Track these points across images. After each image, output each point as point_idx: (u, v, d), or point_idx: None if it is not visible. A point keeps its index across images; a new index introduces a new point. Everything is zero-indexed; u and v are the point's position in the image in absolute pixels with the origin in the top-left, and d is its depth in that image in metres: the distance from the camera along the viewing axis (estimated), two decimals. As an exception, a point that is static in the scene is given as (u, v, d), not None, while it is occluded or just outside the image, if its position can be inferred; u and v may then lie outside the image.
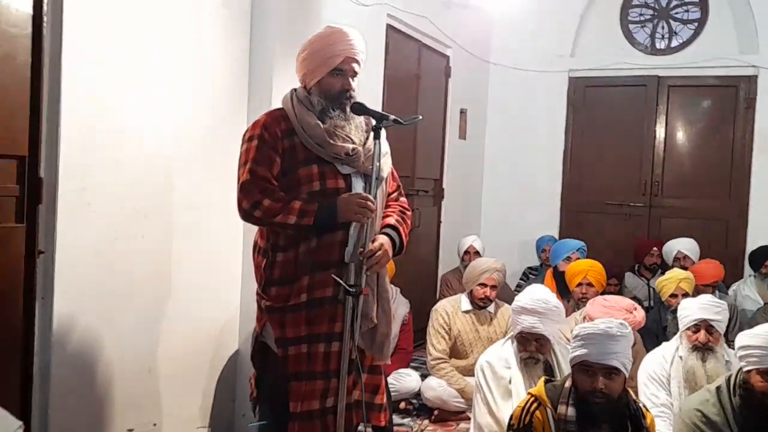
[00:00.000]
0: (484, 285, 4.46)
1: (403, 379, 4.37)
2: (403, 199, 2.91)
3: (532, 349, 3.25)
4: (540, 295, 3.34)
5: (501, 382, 3.28)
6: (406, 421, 4.33)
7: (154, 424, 3.30)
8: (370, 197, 2.55)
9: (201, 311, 3.55)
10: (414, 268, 5.85)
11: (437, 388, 4.39)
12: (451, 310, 4.54)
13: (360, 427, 2.74)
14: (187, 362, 3.48)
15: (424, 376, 4.58)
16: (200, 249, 3.52)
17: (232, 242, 3.76)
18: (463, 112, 6.76)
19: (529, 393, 2.60)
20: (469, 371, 4.42)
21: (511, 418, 2.55)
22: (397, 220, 2.77)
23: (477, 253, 5.73)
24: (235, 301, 3.83)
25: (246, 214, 2.58)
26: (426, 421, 4.38)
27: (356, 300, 2.55)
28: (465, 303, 4.56)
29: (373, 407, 2.77)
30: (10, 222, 2.65)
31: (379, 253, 2.59)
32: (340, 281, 2.54)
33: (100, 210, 2.93)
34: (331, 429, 2.64)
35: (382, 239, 2.66)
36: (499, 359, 3.34)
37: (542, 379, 2.70)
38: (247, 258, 3.73)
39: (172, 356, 3.35)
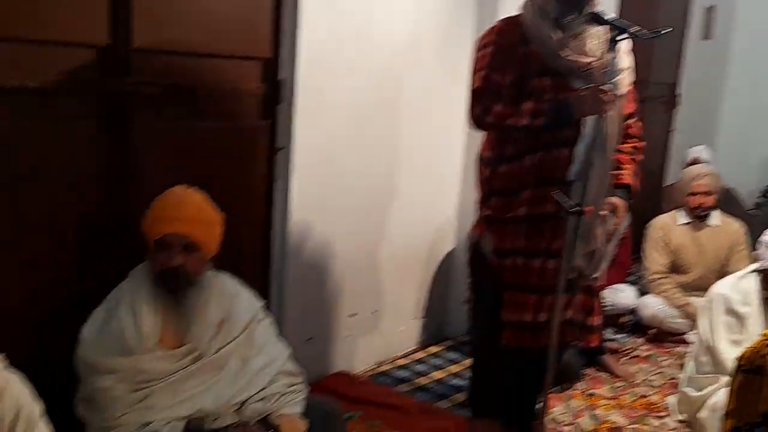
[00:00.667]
0: (694, 193, 4.16)
1: (619, 295, 4.23)
2: (639, 124, 2.73)
3: None
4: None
5: (734, 319, 3.05)
6: (619, 337, 4.23)
7: (375, 311, 3.54)
8: (608, 87, 2.39)
9: (420, 213, 3.68)
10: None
11: (654, 307, 4.22)
12: (668, 224, 4.30)
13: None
14: (406, 259, 3.66)
15: (640, 293, 4.41)
16: (422, 154, 3.60)
17: (451, 148, 3.81)
18: (709, 9, 6.06)
19: (764, 334, 2.40)
20: (692, 288, 4.19)
21: (740, 358, 2.38)
22: (632, 178, 2.67)
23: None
24: (452, 205, 3.91)
25: (477, 120, 2.57)
26: (640, 340, 4.24)
27: (577, 219, 2.48)
28: (682, 216, 4.29)
29: (585, 328, 2.73)
30: (255, 119, 2.87)
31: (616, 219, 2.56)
32: (562, 199, 2.47)
33: (333, 111, 3.08)
34: (542, 342, 2.66)
35: (616, 203, 2.60)
36: (737, 293, 3.09)
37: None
38: (466, 165, 3.77)
39: (392, 253, 3.53)
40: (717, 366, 3.01)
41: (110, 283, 2.23)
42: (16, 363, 1.69)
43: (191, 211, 2.18)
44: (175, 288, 2.16)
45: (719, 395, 2.91)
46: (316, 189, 3.06)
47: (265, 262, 2.98)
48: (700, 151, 5.46)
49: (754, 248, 3.16)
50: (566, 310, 2.67)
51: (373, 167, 3.34)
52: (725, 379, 2.85)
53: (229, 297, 2.34)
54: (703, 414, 3.04)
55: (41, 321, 2.26)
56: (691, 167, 4.54)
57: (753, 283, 3.05)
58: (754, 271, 3.09)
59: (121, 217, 2.39)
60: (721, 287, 3.17)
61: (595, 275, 2.67)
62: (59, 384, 2.03)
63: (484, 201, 2.70)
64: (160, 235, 2.14)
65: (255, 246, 2.93)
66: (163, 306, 2.17)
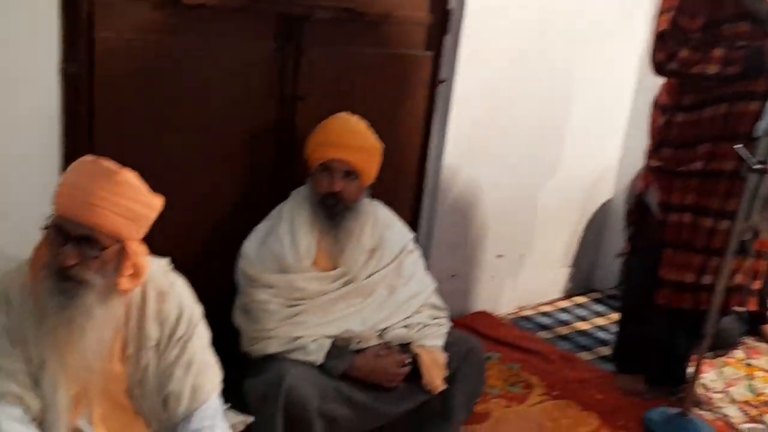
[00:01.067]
0: None
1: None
2: None
3: None
4: None
5: None
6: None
7: (521, 255, 3.48)
8: None
9: (580, 158, 3.52)
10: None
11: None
12: None
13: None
14: (559, 205, 3.54)
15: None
16: (588, 96, 3.42)
17: (621, 91, 3.60)
18: None
19: None
20: None
21: None
22: None
23: None
24: (615, 152, 3.71)
25: (660, 65, 2.41)
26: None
27: (760, 178, 2.27)
28: None
29: (748, 292, 2.55)
30: (419, 49, 2.83)
31: None
32: (747, 155, 2.27)
33: (498, 47, 2.98)
34: (702, 306, 2.50)
35: None
36: None
37: None
38: (635, 110, 3.55)
39: (546, 197, 3.43)
40: None
41: (273, 201, 2.32)
42: (182, 269, 1.80)
43: (355, 139, 2.22)
44: (334, 212, 2.22)
45: None
46: (474, 126, 2.99)
47: (417, 196, 2.98)
48: None
49: None
50: (735, 275, 2.50)
51: (534, 107, 3.21)
52: None
53: (382, 226, 2.37)
54: None
55: (206, 232, 2.40)
56: None
57: None
58: None
59: (288, 137, 2.46)
60: None
61: None
62: (219, 292, 2.15)
63: (654, 151, 2.55)
64: (323, 160, 2.19)
65: (409, 178, 2.93)
66: (319, 229, 2.23)
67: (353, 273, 2.28)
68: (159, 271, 1.73)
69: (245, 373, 2.12)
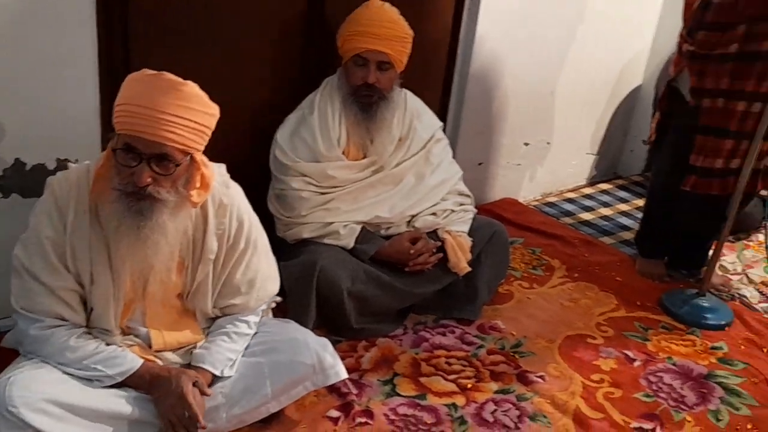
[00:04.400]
0: None
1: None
2: None
3: None
4: None
5: None
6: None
7: (548, 143, 3.49)
8: None
9: (609, 45, 3.46)
10: None
11: None
12: None
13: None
14: (587, 92, 3.51)
15: None
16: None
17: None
18: None
19: None
20: None
21: None
22: None
23: None
24: (647, 38, 3.63)
25: None
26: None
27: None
28: None
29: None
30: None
31: None
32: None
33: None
34: (729, 190, 2.53)
35: None
36: None
37: None
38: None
39: (574, 84, 3.40)
40: None
41: (305, 90, 2.36)
42: (222, 159, 1.84)
43: (389, 29, 2.20)
44: (368, 103, 2.24)
45: None
46: (504, 13, 2.94)
47: (447, 84, 2.97)
48: None
49: None
50: (763, 158, 2.51)
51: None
52: None
53: (412, 115, 2.41)
54: None
55: (243, 124, 2.43)
56: None
57: None
58: None
59: (318, 28, 2.45)
60: None
61: None
62: (255, 180, 2.22)
63: (689, 35, 2.49)
64: (357, 51, 2.19)
65: (438, 67, 2.92)
66: (352, 119, 2.27)
67: (383, 161, 2.34)
68: (218, 179, 1.73)
69: (280, 257, 2.23)
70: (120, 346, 1.68)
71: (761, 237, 3.26)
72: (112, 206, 1.56)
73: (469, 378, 2.16)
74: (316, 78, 2.38)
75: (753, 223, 3.28)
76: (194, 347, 1.80)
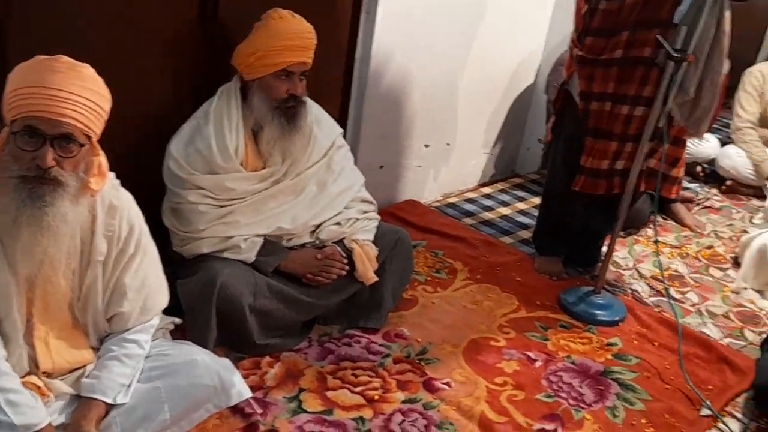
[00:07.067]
0: None
1: (701, 144, 4.10)
2: None
3: None
4: None
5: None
6: (694, 185, 4.16)
7: (448, 144, 3.53)
8: None
9: (504, 46, 3.53)
10: (740, 22, 5.12)
11: (734, 157, 4.09)
12: (767, 73, 4.05)
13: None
14: (484, 92, 3.58)
15: (723, 143, 4.27)
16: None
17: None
18: None
19: None
20: (776, 144, 4.06)
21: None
22: None
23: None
24: (539, 39, 3.73)
25: None
26: (714, 190, 4.17)
27: (677, 66, 2.35)
28: None
29: (668, 179, 2.69)
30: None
31: None
32: (665, 43, 2.33)
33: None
34: (615, 190, 2.64)
35: None
36: None
37: None
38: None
39: (471, 85, 3.45)
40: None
41: (198, 99, 2.27)
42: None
43: (309, 39, 2.18)
44: (295, 114, 2.21)
45: (762, 239, 3.02)
46: (402, 17, 2.94)
47: (346, 89, 2.95)
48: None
49: None
50: (649, 159, 2.62)
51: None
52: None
53: (311, 122, 2.36)
54: (746, 254, 3.10)
55: (132, 130, 2.31)
56: None
57: None
58: None
59: (212, 31, 2.36)
60: None
61: (696, 134, 2.56)
62: (149, 192, 2.12)
63: (577, 39, 2.57)
64: (285, 65, 2.14)
65: (337, 72, 2.88)
66: (278, 131, 2.20)
67: (301, 167, 2.30)
68: (107, 182, 1.69)
69: (177, 273, 2.15)
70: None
71: (650, 232, 3.43)
72: (9, 197, 1.50)
73: (376, 389, 2.15)
74: (211, 86, 2.29)
75: (642, 218, 3.44)
76: (84, 374, 1.70)
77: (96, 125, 1.56)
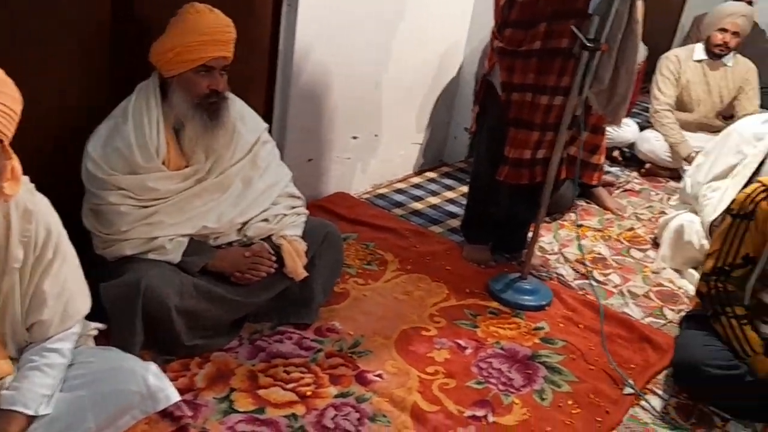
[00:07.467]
0: (724, 30, 4.07)
1: (620, 128, 4.23)
2: None
3: None
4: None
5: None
6: (614, 169, 4.29)
7: (375, 135, 3.54)
8: None
9: (428, 36, 3.56)
10: (656, 7, 5.29)
11: (653, 141, 4.24)
12: (683, 57, 4.23)
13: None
14: (409, 83, 3.60)
15: (642, 127, 4.42)
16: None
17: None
18: None
19: (759, 180, 2.43)
20: (692, 127, 4.23)
21: (732, 203, 2.43)
22: None
23: (750, 2, 5.06)
24: (462, 29, 3.77)
25: None
26: (634, 173, 4.31)
27: (592, 56, 2.42)
28: (699, 51, 4.22)
29: (588, 166, 2.76)
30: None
31: None
32: (579, 33, 2.39)
33: None
34: (537, 178, 2.70)
35: None
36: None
37: (778, 168, 2.49)
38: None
39: (397, 76, 3.46)
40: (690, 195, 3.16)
41: (116, 97, 2.20)
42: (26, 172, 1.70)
43: (229, 32, 2.14)
44: (217, 109, 2.17)
45: (678, 220, 3.16)
46: (323, 9, 2.92)
47: (270, 84, 2.92)
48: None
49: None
50: (569, 147, 2.68)
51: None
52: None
53: (234, 118, 2.33)
54: (664, 235, 3.24)
55: (48, 131, 2.24)
56: (731, 2, 4.34)
57: None
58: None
59: (129, 30, 2.30)
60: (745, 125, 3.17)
61: (614, 122, 2.63)
62: (67, 194, 2.06)
63: (498, 31, 2.61)
64: (205, 60, 2.10)
65: (260, 67, 2.85)
66: (201, 128, 2.17)
67: (225, 164, 2.27)
68: (22, 186, 1.62)
69: (100, 277, 2.09)
70: None
71: (575, 216, 3.53)
72: None
73: (308, 385, 2.15)
74: (128, 84, 2.23)
75: (566, 203, 3.53)
76: (3, 386, 1.65)
77: (7, 128, 1.50)
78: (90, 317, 1.85)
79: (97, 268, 2.12)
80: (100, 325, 1.91)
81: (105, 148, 2.13)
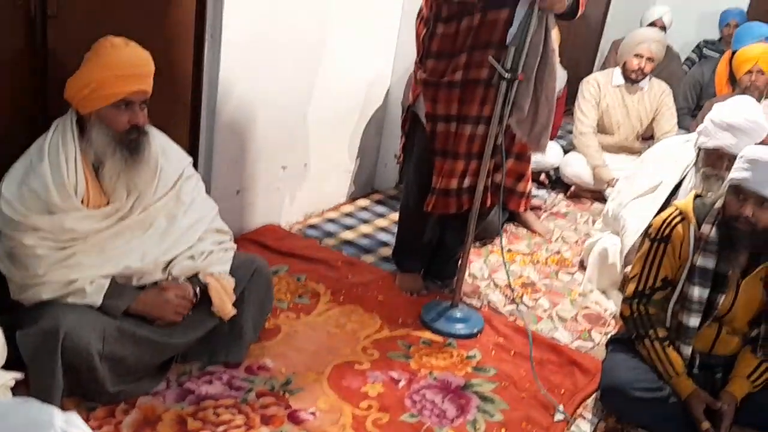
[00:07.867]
0: (639, 56, 4.27)
1: (547, 152, 4.32)
2: None
3: (722, 167, 2.82)
4: (753, 114, 2.82)
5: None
6: (541, 193, 4.38)
7: (305, 165, 3.53)
8: None
9: (353, 66, 3.57)
10: (576, 32, 5.48)
11: (576, 165, 4.37)
12: (602, 82, 4.40)
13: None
14: (337, 112, 3.60)
15: (566, 151, 4.54)
16: (357, 7, 3.44)
17: (390, 5, 3.66)
18: None
19: (674, 205, 2.52)
20: (614, 149, 4.39)
21: (649, 227, 2.51)
22: None
23: (663, 28, 5.29)
24: (387, 59, 3.80)
25: None
26: (560, 196, 4.42)
27: (510, 86, 2.47)
28: (617, 76, 4.40)
29: (515, 193, 2.81)
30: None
31: None
32: (496, 64, 2.45)
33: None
34: (465, 206, 2.73)
35: None
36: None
37: (692, 193, 2.59)
38: (404, 21, 3.64)
39: (324, 105, 3.46)
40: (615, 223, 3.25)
41: (30, 135, 2.13)
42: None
43: (148, 66, 2.11)
44: (138, 144, 2.14)
45: (602, 243, 3.25)
46: (248, 42, 2.90)
47: (194, 116, 2.87)
48: (663, 14, 5.47)
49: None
50: (494, 175, 2.73)
51: (309, 20, 3.18)
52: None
53: (156, 153, 2.28)
54: (590, 258, 3.32)
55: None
56: (639, 30, 4.54)
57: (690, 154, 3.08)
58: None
59: (42, 62, 2.23)
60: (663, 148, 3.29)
61: (538, 150, 2.69)
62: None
63: (420, 62, 2.65)
64: (124, 95, 2.06)
65: (183, 99, 2.80)
66: (122, 164, 2.13)
67: (128, 207, 2.20)
68: None
69: (17, 323, 2.00)
70: None
71: (503, 241, 3.58)
72: None
73: (239, 427, 2.10)
74: (43, 120, 2.16)
75: (495, 228, 3.54)
76: None
77: None
78: (7, 367, 1.77)
79: (13, 313, 2.03)
80: (17, 375, 1.82)
81: (20, 188, 2.05)
